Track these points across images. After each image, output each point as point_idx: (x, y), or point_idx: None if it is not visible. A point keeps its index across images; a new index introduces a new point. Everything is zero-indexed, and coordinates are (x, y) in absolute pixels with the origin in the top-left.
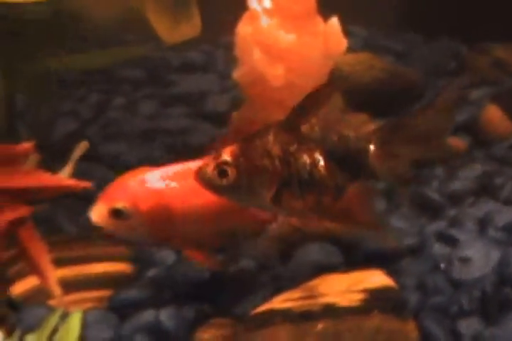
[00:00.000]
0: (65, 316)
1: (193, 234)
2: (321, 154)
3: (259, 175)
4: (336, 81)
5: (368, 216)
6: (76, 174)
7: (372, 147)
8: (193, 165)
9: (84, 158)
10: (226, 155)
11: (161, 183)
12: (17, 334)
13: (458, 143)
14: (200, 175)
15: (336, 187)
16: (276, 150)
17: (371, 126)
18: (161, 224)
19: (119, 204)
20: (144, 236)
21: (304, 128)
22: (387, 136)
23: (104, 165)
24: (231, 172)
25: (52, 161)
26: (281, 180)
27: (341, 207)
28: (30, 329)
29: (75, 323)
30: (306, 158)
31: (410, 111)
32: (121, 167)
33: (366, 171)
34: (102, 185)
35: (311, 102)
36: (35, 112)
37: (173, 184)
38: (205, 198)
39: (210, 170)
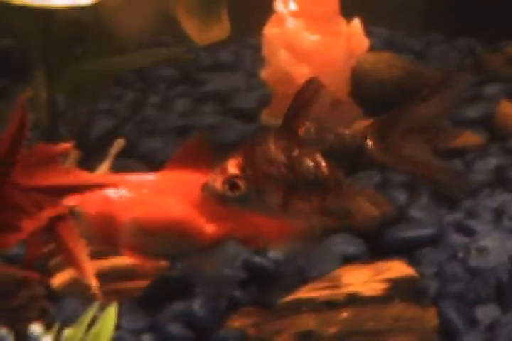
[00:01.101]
0: (101, 309)
1: (136, 242)
2: (321, 155)
3: (268, 183)
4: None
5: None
6: (114, 170)
7: (369, 142)
8: (151, 176)
9: (121, 154)
10: (233, 169)
11: (114, 191)
12: (56, 327)
13: (474, 137)
14: (208, 190)
15: (336, 184)
16: (279, 157)
17: (365, 121)
18: (106, 230)
19: (72, 205)
20: (91, 237)
21: (301, 132)
22: (383, 128)
23: (140, 161)
24: (241, 184)
25: (91, 158)
26: (288, 185)
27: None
28: (69, 321)
29: (110, 316)
30: (309, 162)
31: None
32: (157, 163)
33: (363, 165)
34: None
35: (301, 102)
36: (75, 112)
37: (125, 193)
38: (152, 210)
39: (219, 184)
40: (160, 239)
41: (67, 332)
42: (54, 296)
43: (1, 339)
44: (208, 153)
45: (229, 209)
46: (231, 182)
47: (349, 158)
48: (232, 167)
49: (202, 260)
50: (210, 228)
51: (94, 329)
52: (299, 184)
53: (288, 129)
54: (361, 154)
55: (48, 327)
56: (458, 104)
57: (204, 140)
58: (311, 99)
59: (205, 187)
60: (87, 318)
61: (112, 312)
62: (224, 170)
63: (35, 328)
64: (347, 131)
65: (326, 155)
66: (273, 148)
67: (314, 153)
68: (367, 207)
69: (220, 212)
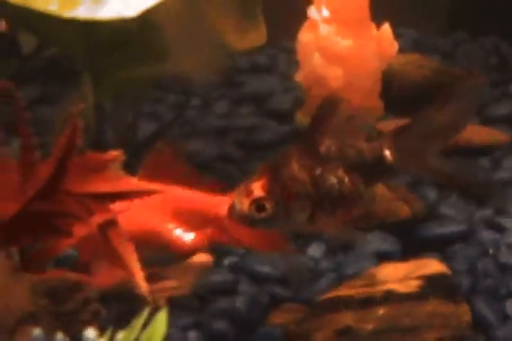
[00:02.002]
0: (151, 309)
1: None
2: (343, 171)
3: (294, 202)
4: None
5: None
6: None
7: (387, 152)
8: None
9: None
10: (259, 190)
11: None
12: (109, 331)
13: (501, 135)
14: (235, 213)
15: (359, 196)
16: (303, 175)
17: (383, 131)
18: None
19: None
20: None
21: (322, 149)
22: (400, 139)
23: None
24: (269, 205)
25: (136, 160)
26: (314, 202)
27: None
28: (122, 323)
29: (161, 320)
30: (333, 179)
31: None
32: (199, 163)
33: (384, 175)
34: None
35: (320, 119)
36: (120, 116)
37: None
38: (128, 222)
39: (246, 206)
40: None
41: (120, 335)
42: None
43: None
44: (179, 162)
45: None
46: (258, 204)
47: (370, 170)
48: (258, 188)
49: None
50: (187, 237)
51: (145, 333)
52: (324, 200)
53: (310, 147)
54: (381, 165)
55: (100, 330)
56: (474, 109)
57: (174, 148)
58: (330, 116)
59: (232, 210)
60: (139, 321)
61: (162, 316)
62: (250, 192)
63: (90, 332)
64: (365, 145)
65: (347, 170)
66: (296, 167)
67: (336, 169)
68: (399, 205)
69: (197, 221)
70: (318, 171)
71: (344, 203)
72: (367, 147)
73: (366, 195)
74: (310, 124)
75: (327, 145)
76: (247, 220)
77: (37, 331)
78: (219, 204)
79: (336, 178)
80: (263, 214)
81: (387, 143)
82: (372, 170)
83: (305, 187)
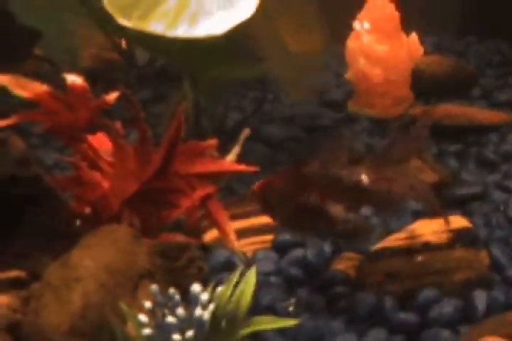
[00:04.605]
0: (241, 258)
1: None
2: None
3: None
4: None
5: None
6: (244, 152)
7: (364, 177)
8: None
9: (248, 139)
10: None
11: None
12: (211, 286)
13: (504, 116)
14: None
15: None
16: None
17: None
18: None
19: None
20: None
21: (306, 171)
22: (373, 165)
23: (261, 144)
24: None
25: (226, 143)
26: None
27: None
28: (216, 268)
29: (251, 277)
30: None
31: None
32: (274, 143)
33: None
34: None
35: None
36: (213, 109)
37: None
38: None
39: None
40: None
41: (219, 290)
42: (206, 248)
43: (171, 297)
44: None
45: None
46: None
47: (349, 192)
48: None
49: None
50: None
51: (239, 287)
52: None
53: (297, 170)
54: (359, 188)
55: (203, 284)
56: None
57: None
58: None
59: None
60: (234, 277)
61: (252, 272)
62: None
63: (196, 287)
64: (344, 171)
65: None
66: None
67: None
68: (429, 173)
69: None
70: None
71: None
72: (345, 172)
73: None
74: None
75: (311, 168)
76: None
77: (154, 286)
78: None
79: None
80: None
81: (364, 169)
82: (352, 192)
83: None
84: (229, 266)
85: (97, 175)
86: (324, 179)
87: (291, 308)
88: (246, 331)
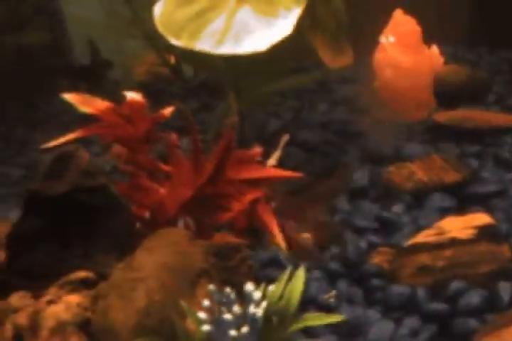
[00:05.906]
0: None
1: None
2: None
3: None
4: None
5: None
6: (283, 156)
7: None
8: None
9: (288, 144)
10: None
11: None
12: (263, 285)
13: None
14: None
15: None
16: None
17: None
18: None
19: None
20: None
21: None
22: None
23: (298, 148)
24: None
25: (266, 148)
26: None
27: None
28: (264, 264)
29: (300, 276)
30: None
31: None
32: (309, 147)
33: None
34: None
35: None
36: (254, 117)
37: None
38: None
39: None
40: None
41: (271, 288)
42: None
43: (226, 296)
44: None
45: None
46: None
47: None
48: None
49: None
50: None
51: (289, 286)
52: None
53: None
54: None
55: (256, 283)
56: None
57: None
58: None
59: None
60: (284, 277)
61: (301, 272)
62: None
63: (249, 285)
64: None
65: None
66: None
67: None
68: (452, 173)
69: None
70: None
71: None
72: None
73: None
74: None
75: None
76: None
77: (211, 286)
78: None
79: None
80: None
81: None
82: None
83: None
84: (273, 264)
85: (154, 182)
86: None
87: (332, 300)
88: (296, 327)
